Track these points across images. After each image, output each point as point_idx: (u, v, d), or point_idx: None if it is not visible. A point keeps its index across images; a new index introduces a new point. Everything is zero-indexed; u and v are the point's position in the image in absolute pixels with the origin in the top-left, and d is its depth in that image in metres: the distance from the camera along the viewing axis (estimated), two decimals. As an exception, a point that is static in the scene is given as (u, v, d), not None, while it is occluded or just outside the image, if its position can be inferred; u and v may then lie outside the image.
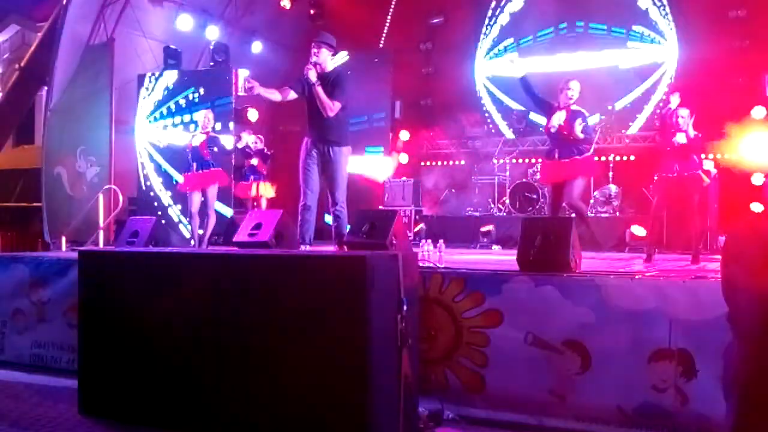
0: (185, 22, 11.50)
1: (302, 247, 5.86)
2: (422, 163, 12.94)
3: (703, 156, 7.94)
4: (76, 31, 10.67)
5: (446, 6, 13.02)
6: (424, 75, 13.28)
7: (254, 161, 10.20)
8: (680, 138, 6.11)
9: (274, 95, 6.05)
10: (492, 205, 11.42)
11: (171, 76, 10.87)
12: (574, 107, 6.31)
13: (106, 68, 10.60)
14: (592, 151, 6.47)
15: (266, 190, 10.22)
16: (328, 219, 6.59)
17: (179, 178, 9.40)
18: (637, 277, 4.35)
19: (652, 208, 6.63)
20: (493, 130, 12.43)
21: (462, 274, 4.57)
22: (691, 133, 6.16)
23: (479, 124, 12.48)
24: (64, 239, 9.56)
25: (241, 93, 10.21)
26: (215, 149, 8.28)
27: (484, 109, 12.64)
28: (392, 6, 13.08)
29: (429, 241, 5.88)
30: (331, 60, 6.12)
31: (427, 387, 4.35)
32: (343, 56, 11.34)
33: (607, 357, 4.04)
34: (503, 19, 12.50)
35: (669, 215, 7.71)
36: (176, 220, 10.61)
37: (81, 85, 10.74)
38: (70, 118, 10.78)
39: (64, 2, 10.54)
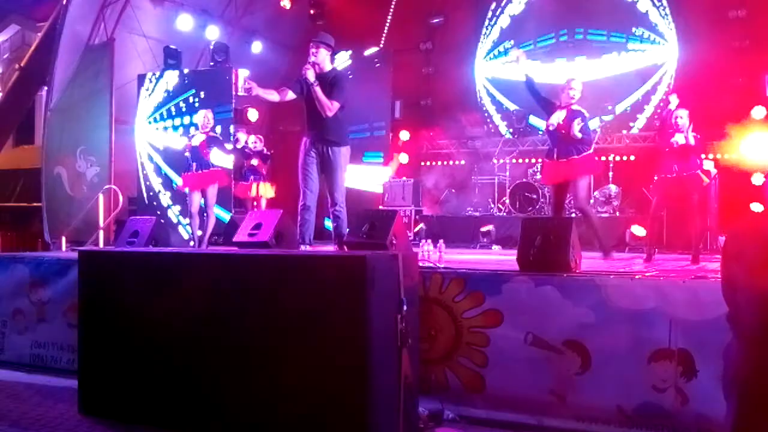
0: (185, 22, 11.51)
1: (302, 247, 5.86)
2: (422, 163, 12.93)
3: (702, 156, 7.93)
4: (76, 31, 10.67)
5: (446, 6, 13.02)
6: (424, 75, 13.29)
7: (254, 161, 10.20)
8: (679, 138, 6.12)
9: (273, 96, 6.04)
10: (492, 205, 11.41)
11: (171, 77, 10.87)
12: (574, 107, 6.30)
13: (106, 68, 10.60)
14: (592, 150, 6.46)
15: (266, 191, 10.23)
16: (328, 224, 6.59)
17: (178, 180, 9.40)
18: (637, 277, 4.35)
19: (651, 209, 6.63)
20: (492, 130, 12.43)
21: (462, 274, 4.57)
22: (690, 136, 6.16)
23: (479, 124, 12.47)
24: (64, 239, 9.56)
25: (240, 93, 10.22)
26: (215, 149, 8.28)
27: (484, 109, 12.64)
28: (392, 6, 13.07)
29: (429, 241, 5.88)
30: (329, 60, 6.12)
31: (427, 387, 4.35)
32: (345, 59, 11.36)
33: (607, 357, 4.04)
34: (503, 21, 12.49)
35: (669, 215, 7.72)
36: (175, 221, 10.61)
37: (81, 85, 10.74)
38: (70, 118, 10.78)
39: (64, 2, 10.54)
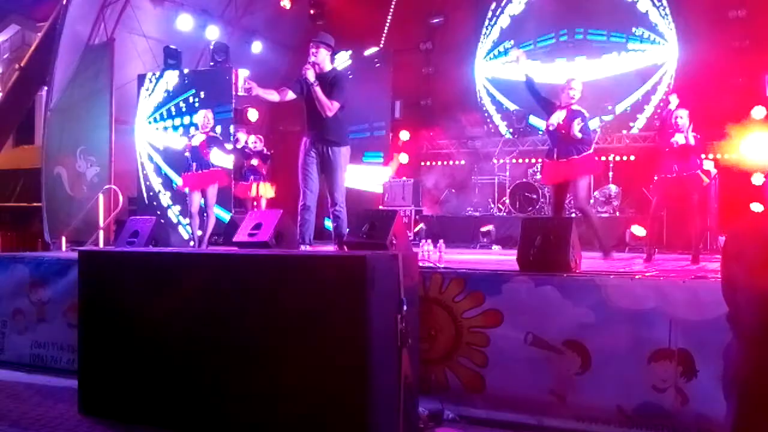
0: (185, 22, 11.51)
1: (302, 247, 5.86)
2: (422, 163, 12.93)
3: (702, 156, 7.94)
4: (76, 31, 10.67)
5: (446, 6, 13.02)
6: (424, 75, 13.29)
7: (254, 161, 10.20)
8: (679, 138, 6.12)
9: (273, 96, 6.04)
10: (492, 205, 11.41)
11: (171, 77, 10.87)
12: (574, 107, 6.30)
13: (106, 68, 10.60)
14: (592, 150, 6.46)
15: (266, 191, 10.23)
16: (329, 224, 6.59)
17: (178, 180, 9.40)
18: (637, 277, 4.35)
19: (651, 209, 6.63)
20: (492, 130, 12.43)
21: (462, 274, 4.57)
22: (690, 136, 6.16)
23: (479, 124, 12.47)
24: (64, 239, 9.56)
25: (241, 93, 10.21)
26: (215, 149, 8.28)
27: (484, 109, 12.64)
28: (392, 6, 13.07)
29: (429, 241, 5.88)
30: (329, 60, 6.12)
31: (427, 387, 4.35)
32: (345, 59, 11.36)
33: (607, 357, 4.04)
34: (503, 21, 12.49)
35: (669, 215, 7.72)
36: (175, 221, 10.61)
37: (81, 85, 10.74)
38: (70, 118, 10.78)
39: (64, 2, 10.54)
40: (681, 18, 10.97)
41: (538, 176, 10.48)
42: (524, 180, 10.98)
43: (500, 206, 11.27)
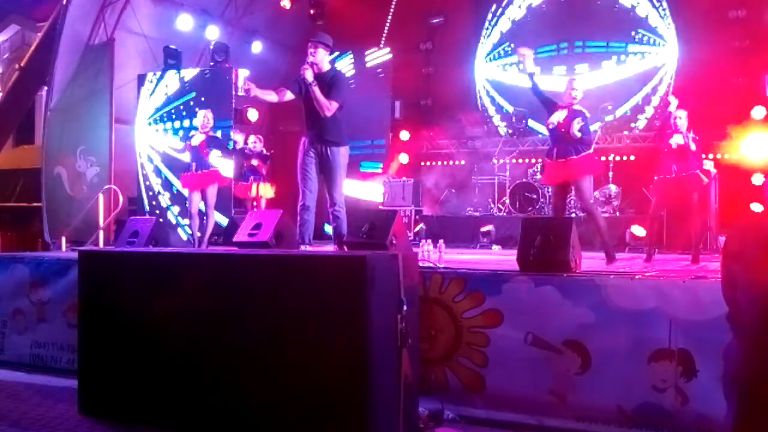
0: (185, 22, 11.50)
1: (302, 247, 5.86)
2: (422, 163, 12.94)
3: (702, 156, 7.94)
4: (76, 31, 10.66)
5: (446, 6, 13.02)
6: (424, 75, 13.29)
7: (254, 162, 10.20)
8: (678, 139, 6.13)
9: (271, 96, 6.03)
10: (492, 205, 11.41)
11: (171, 78, 10.86)
12: (576, 107, 6.30)
13: (106, 68, 10.59)
14: (591, 150, 6.46)
15: (266, 191, 10.21)
16: (328, 229, 6.58)
17: (176, 182, 9.41)
18: (637, 277, 4.35)
19: (651, 209, 6.64)
20: (492, 131, 12.43)
21: (462, 274, 4.57)
22: (689, 136, 6.16)
23: (479, 124, 12.47)
24: (64, 239, 9.55)
25: (240, 93, 10.21)
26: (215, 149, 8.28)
27: (484, 109, 12.64)
28: (392, 6, 13.07)
29: (429, 241, 5.88)
30: (328, 60, 6.11)
31: (427, 387, 4.35)
32: (347, 62, 11.38)
33: (607, 357, 4.05)
34: (504, 24, 12.49)
35: (669, 215, 7.72)
36: (174, 221, 10.61)
37: (81, 85, 10.74)
38: (70, 118, 10.78)
39: (64, 2, 10.54)
40: (681, 18, 10.98)
41: (539, 176, 10.48)
42: (524, 180, 10.98)
43: (500, 206, 11.27)
